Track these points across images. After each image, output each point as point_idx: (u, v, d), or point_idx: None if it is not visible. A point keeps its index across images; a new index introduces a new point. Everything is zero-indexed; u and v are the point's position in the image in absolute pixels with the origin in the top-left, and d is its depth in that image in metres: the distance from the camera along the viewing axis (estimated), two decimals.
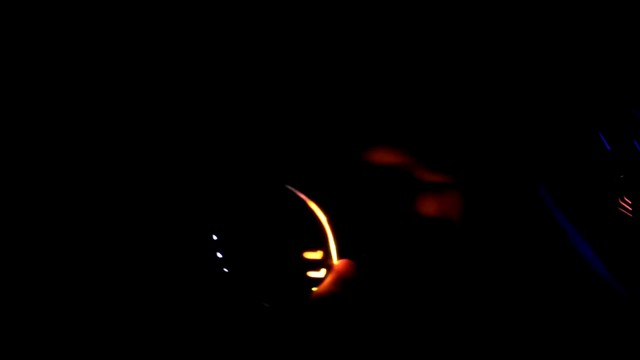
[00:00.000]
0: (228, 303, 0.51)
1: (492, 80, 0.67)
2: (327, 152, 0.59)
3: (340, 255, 0.48)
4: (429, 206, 0.56)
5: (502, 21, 0.66)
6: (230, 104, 0.61)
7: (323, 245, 0.48)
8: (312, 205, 0.49)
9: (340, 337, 0.40)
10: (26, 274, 0.54)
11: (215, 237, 0.50)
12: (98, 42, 0.59)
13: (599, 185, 0.66)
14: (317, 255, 0.48)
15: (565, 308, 0.50)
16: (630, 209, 0.65)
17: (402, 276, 0.55)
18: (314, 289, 0.46)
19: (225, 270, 0.49)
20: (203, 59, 0.61)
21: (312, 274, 0.48)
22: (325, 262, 0.48)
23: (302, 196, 0.49)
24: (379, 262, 0.51)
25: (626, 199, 0.66)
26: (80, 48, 0.59)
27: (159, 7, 0.58)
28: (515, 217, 0.55)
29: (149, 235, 0.56)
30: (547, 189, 0.62)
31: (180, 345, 0.49)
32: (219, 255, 0.50)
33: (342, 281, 0.45)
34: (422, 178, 0.56)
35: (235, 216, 0.52)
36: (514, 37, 0.67)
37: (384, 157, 0.56)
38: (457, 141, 0.64)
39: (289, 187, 0.50)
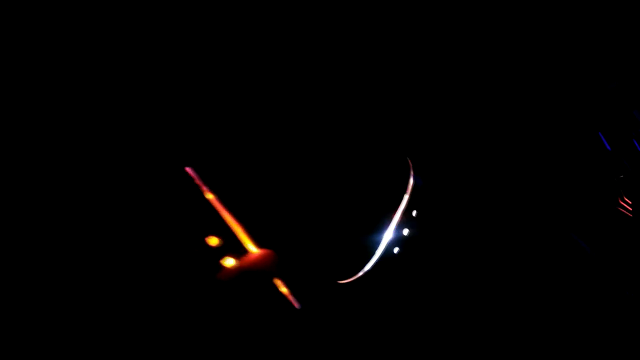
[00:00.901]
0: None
1: (492, 80, 0.67)
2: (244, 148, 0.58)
3: (259, 245, 0.47)
4: None
5: (503, 22, 0.66)
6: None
7: (225, 232, 0.47)
8: (210, 196, 0.48)
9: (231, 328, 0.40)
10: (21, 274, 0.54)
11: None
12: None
13: (599, 185, 0.66)
14: (215, 241, 0.47)
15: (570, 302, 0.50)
16: (630, 209, 0.65)
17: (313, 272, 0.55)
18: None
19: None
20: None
21: (224, 261, 0.47)
22: (232, 249, 0.46)
23: (202, 184, 0.48)
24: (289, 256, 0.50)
25: (626, 199, 0.66)
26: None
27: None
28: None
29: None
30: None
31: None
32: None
33: (241, 271, 0.43)
34: None
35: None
36: (514, 38, 0.67)
37: None
38: (454, 143, 0.64)
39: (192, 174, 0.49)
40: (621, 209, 0.66)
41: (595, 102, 0.68)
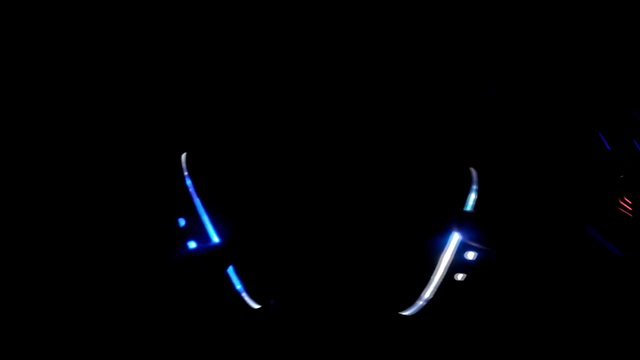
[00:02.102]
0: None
1: (493, 80, 0.67)
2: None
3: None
4: None
5: (503, 22, 0.66)
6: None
7: (194, 217, 0.48)
8: (189, 182, 0.49)
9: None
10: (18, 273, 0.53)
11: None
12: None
13: (599, 185, 0.66)
14: (182, 223, 0.48)
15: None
16: (630, 209, 0.65)
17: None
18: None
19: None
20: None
21: (189, 243, 0.48)
22: (197, 235, 0.48)
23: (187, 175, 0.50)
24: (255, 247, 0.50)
25: (626, 199, 0.66)
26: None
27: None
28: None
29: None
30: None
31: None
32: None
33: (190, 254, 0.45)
34: None
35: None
36: (515, 38, 0.67)
37: None
38: (458, 141, 0.63)
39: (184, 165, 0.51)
40: (621, 209, 0.65)
41: (595, 102, 0.68)
